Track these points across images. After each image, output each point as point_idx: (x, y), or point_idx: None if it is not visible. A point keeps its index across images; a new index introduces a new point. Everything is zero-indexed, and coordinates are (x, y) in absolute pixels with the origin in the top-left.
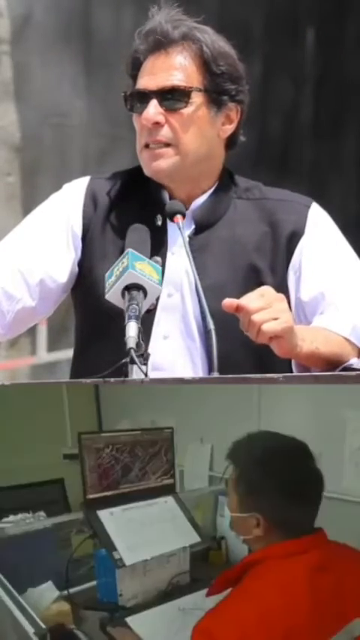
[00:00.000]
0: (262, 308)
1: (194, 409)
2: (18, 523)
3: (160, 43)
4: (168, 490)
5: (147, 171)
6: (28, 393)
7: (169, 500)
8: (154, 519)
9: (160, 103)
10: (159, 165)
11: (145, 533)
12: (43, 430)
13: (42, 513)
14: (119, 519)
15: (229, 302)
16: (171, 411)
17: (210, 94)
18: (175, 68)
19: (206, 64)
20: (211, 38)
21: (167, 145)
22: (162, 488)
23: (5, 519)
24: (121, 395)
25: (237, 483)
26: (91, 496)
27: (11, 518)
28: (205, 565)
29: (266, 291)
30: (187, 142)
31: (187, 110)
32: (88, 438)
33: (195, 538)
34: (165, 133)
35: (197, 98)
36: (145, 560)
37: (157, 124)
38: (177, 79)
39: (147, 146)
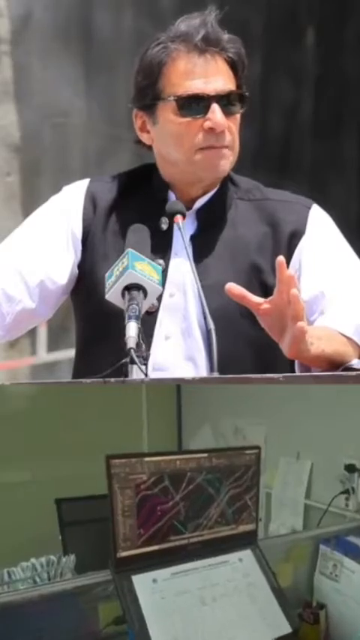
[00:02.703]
0: None
1: (290, 413)
2: (18, 587)
3: (210, 46)
4: (246, 541)
5: (204, 172)
6: (103, 393)
7: (246, 557)
8: (219, 592)
9: (221, 108)
10: (224, 165)
11: (202, 617)
12: (117, 434)
13: (71, 558)
14: (165, 592)
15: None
16: (260, 415)
17: (243, 100)
18: (222, 72)
19: (240, 70)
20: (240, 45)
21: (227, 147)
22: (237, 539)
23: (13, 572)
24: (203, 395)
25: None
26: (124, 553)
27: (25, 564)
28: None
29: None
30: (237, 145)
31: (238, 116)
32: (122, 464)
33: (284, 627)
34: (228, 137)
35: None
36: None
37: (223, 130)
38: (230, 84)
39: (206, 147)
